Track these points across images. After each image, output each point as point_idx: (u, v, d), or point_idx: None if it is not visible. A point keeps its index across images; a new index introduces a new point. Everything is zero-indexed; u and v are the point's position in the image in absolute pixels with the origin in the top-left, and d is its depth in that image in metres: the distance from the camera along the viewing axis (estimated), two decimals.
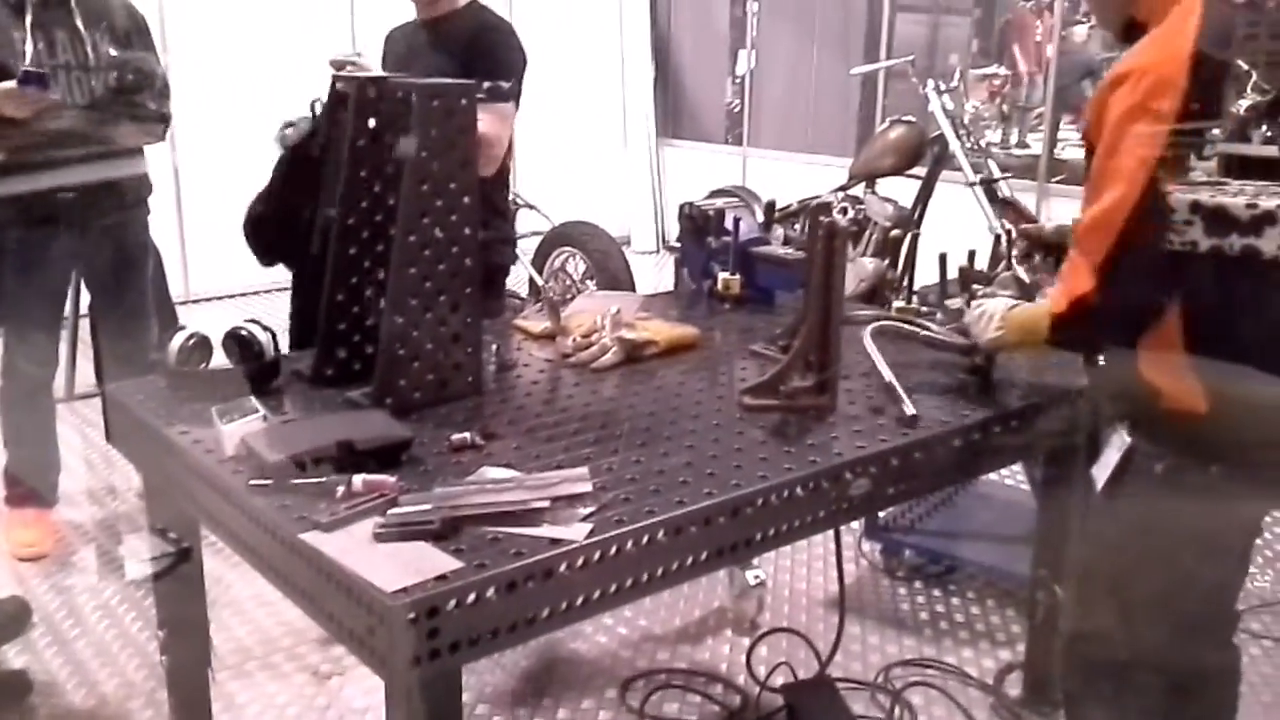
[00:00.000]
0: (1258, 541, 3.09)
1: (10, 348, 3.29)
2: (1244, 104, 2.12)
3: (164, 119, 3.26)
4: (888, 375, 2.02)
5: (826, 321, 1.97)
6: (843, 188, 5.07)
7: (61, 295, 3.40)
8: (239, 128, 5.40)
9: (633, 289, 4.80)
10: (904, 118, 4.90)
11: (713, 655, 2.90)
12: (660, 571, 1.55)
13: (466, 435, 1.78)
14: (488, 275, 2.77)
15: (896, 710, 2.65)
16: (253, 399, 1.84)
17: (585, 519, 1.52)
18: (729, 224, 2.66)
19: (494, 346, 2.19)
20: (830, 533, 3.51)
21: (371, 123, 1.99)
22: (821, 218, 1.98)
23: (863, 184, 5.01)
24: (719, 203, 2.75)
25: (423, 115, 1.84)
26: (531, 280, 5.24)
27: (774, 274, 2.65)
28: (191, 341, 2.06)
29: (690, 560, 1.58)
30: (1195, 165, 1.74)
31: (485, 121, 2.69)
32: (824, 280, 1.97)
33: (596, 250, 5.00)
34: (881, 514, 3.39)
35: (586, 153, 7.58)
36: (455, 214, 1.90)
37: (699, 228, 2.73)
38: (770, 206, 2.89)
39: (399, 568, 1.37)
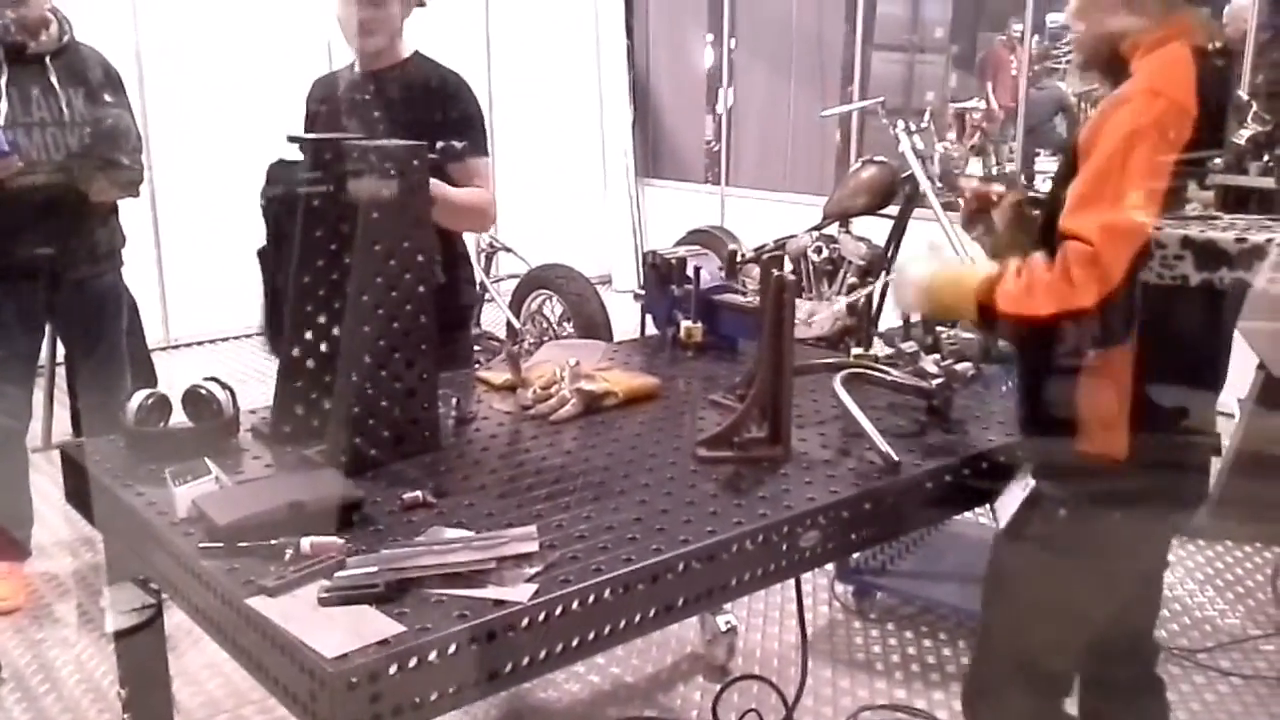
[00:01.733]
0: (1229, 577, 3.12)
1: None
2: (1245, 134, 2.16)
3: (137, 175, 3.28)
4: (864, 422, 2.03)
5: (779, 372, 1.99)
6: (817, 227, 5.11)
7: (35, 348, 3.41)
8: (217, 176, 5.46)
9: (609, 331, 4.83)
10: (875, 158, 4.96)
11: (684, 702, 2.90)
12: (608, 629, 1.56)
13: (418, 494, 1.78)
14: (456, 317, 2.79)
15: None
16: (206, 460, 1.85)
17: (531, 579, 1.52)
18: (691, 272, 2.68)
19: (454, 400, 2.21)
20: (804, 576, 3.54)
21: (328, 185, 2.01)
22: (773, 270, 2.01)
23: (837, 223, 5.06)
24: (681, 251, 2.78)
25: (371, 174, 1.86)
26: (509, 323, 5.27)
27: (736, 321, 2.67)
28: (150, 400, 2.07)
29: (638, 617, 1.59)
30: (1193, 196, 1.78)
31: (480, 182, 2.72)
32: (774, 332, 1.99)
33: (572, 293, 5.03)
34: (853, 557, 3.40)
35: (565, 194, 7.63)
36: (409, 273, 1.92)
37: (663, 276, 2.75)
38: (732, 255, 2.92)
39: (341, 632, 1.38)
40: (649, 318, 2.86)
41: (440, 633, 1.39)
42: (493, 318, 5.51)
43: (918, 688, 2.98)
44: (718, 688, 2.89)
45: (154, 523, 1.73)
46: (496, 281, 5.56)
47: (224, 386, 2.12)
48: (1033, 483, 1.82)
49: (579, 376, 2.28)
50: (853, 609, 3.39)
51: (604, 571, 1.56)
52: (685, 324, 2.67)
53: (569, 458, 2.02)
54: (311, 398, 2.08)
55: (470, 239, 5.49)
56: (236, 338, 6.35)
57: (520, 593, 1.49)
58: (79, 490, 2.01)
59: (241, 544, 1.60)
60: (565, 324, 5.11)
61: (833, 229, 5.05)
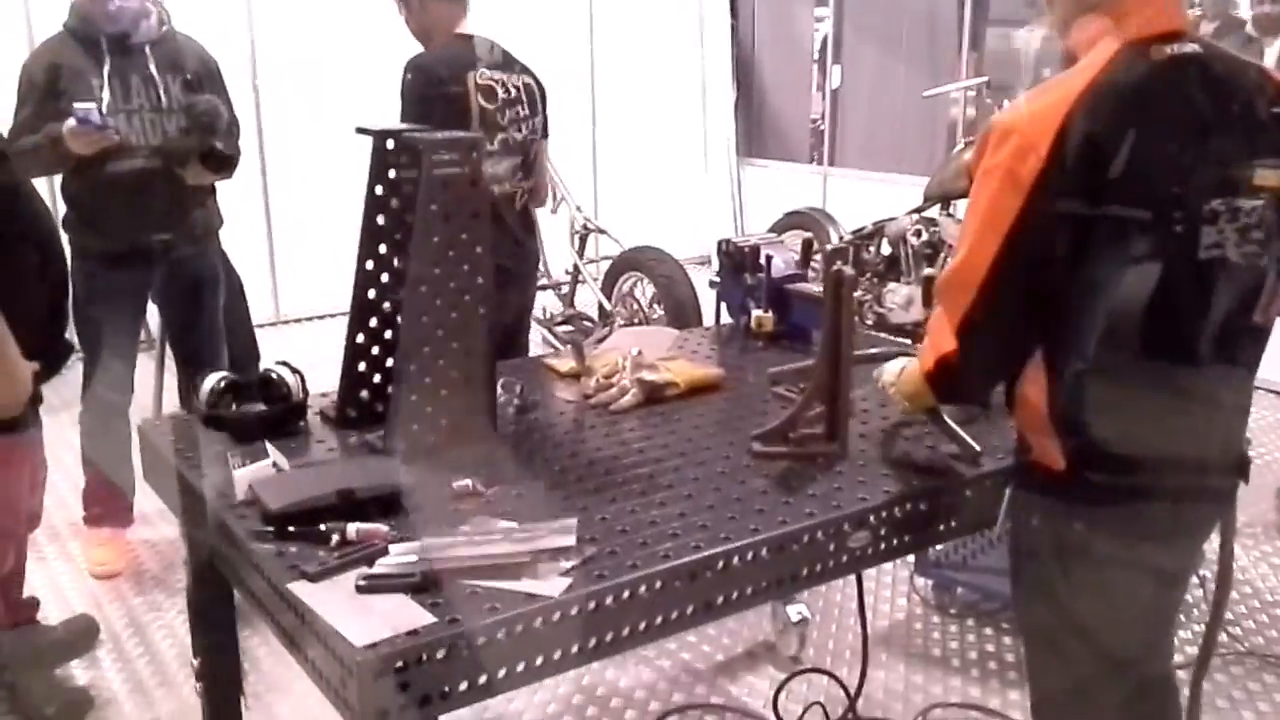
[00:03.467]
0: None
1: (89, 375, 3.45)
2: None
3: (231, 159, 3.38)
4: (942, 414, 2.00)
5: (836, 367, 1.96)
6: (918, 209, 5.00)
7: (136, 325, 3.54)
8: (325, 157, 5.59)
9: (699, 315, 4.81)
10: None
11: (750, 691, 2.89)
12: (642, 626, 1.56)
13: (468, 483, 1.81)
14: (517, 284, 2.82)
15: None
16: (268, 444, 1.90)
17: (565, 573, 1.53)
18: (763, 261, 2.65)
19: (517, 387, 2.23)
20: (885, 566, 3.49)
21: (392, 173, 2.04)
22: (834, 262, 1.97)
23: (938, 206, 4.94)
24: (754, 239, 2.74)
25: (431, 166, 1.88)
26: (600, 305, 5.29)
27: (808, 312, 2.62)
28: (222, 383, 2.14)
29: (675, 614, 1.58)
30: None
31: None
32: (833, 325, 1.95)
33: (663, 276, 5.02)
34: (932, 551, 3.34)
35: (664, 175, 7.61)
36: (467, 263, 1.94)
37: (736, 263, 2.73)
38: (807, 245, 2.87)
39: (373, 621, 1.41)
40: (723, 306, 2.84)
41: (471, 625, 1.41)
42: (585, 300, 5.54)
43: (994, 686, 2.91)
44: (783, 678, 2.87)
45: (214, 504, 1.79)
46: (589, 263, 5.58)
47: (294, 371, 2.18)
48: (1008, 491, 1.77)
49: (640, 366, 2.28)
50: (932, 604, 3.32)
51: (639, 568, 1.56)
52: (756, 313, 2.64)
53: (623, 449, 2.02)
54: (374, 383, 2.12)
55: (564, 220, 5.55)
56: (345, 314, 6.51)
57: (553, 587, 1.49)
58: (154, 467, 2.09)
59: (291, 529, 1.64)
60: (656, 306, 5.11)
61: (934, 212, 4.94)
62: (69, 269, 2.58)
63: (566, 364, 2.42)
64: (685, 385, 2.28)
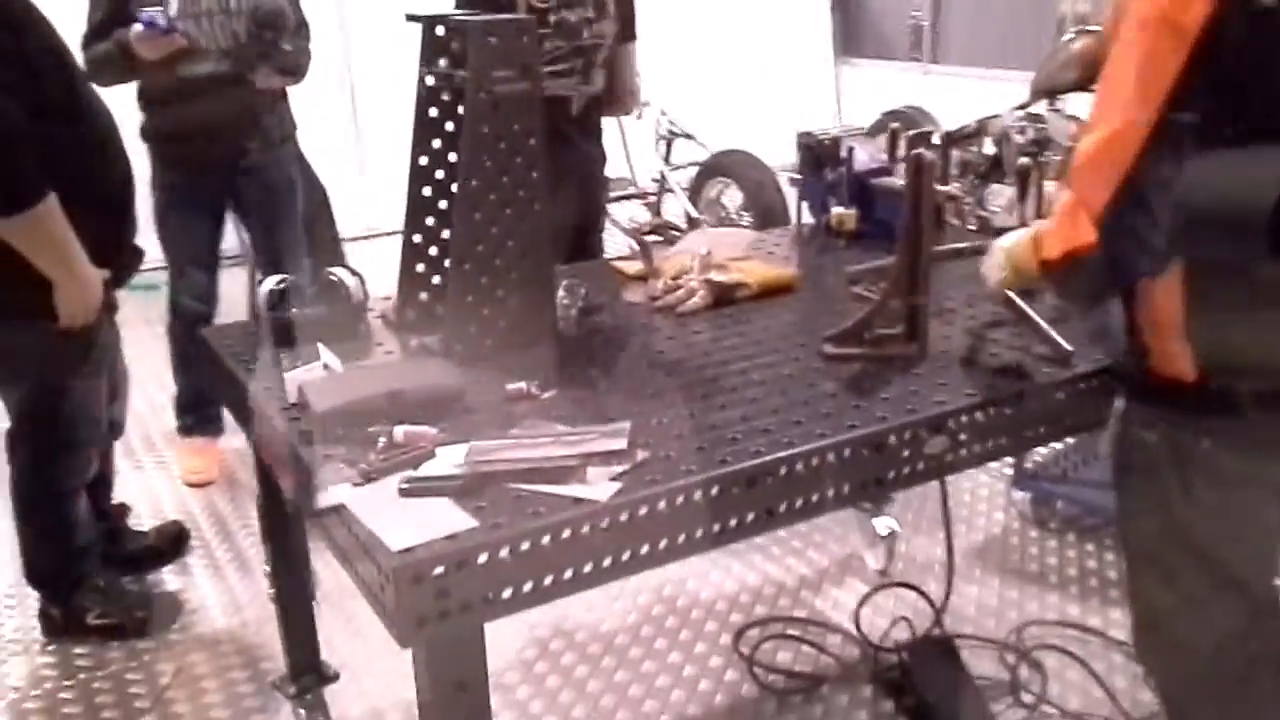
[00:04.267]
0: None
1: (173, 285, 3.47)
2: None
3: (299, 61, 3.32)
4: (1026, 310, 1.86)
5: (914, 261, 1.82)
6: (1023, 105, 4.72)
7: (216, 233, 3.53)
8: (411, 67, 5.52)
9: (788, 221, 4.64)
10: (1089, 27, 4.50)
11: (836, 606, 2.80)
12: (700, 533, 1.47)
13: (523, 385, 1.73)
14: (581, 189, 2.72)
15: (1024, 672, 2.49)
16: (320, 346, 1.85)
17: (616, 478, 1.45)
18: (845, 153, 2.49)
19: (581, 290, 2.14)
20: (980, 479, 3.35)
21: (442, 62, 1.94)
22: (917, 148, 1.82)
23: (1045, 101, 4.66)
24: (835, 131, 2.58)
25: (479, 53, 1.77)
26: (687, 213, 5.15)
27: (893, 207, 2.46)
28: (282, 285, 2.09)
29: (734, 522, 1.49)
30: None
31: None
32: (913, 216, 1.81)
33: (751, 181, 4.86)
34: (1031, 462, 3.19)
35: (756, 75, 7.34)
36: (520, 156, 1.84)
37: (816, 158, 2.58)
38: (893, 134, 2.69)
39: (413, 525, 1.35)
40: (804, 205, 2.70)
41: (513, 529, 1.34)
42: (673, 208, 5.40)
43: (1093, 604, 2.77)
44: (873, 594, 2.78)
45: (265, 407, 1.74)
46: (675, 169, 5.43)
47: (354, 273, 2.12)
48: (1121, 406, 1.60)
49: (709, 266, 2.16)
50: (1030, 518, 3.18)
51: (695, 473, 1.47)
52: (837, 210, 2.50)
53: (687, 352, 1.92)
54: (433, 285, 2.05)
55: (650, 124, 5.39)
56: None
57: (601, 491, 1.41)
58: (216, 374, 2.07)
59: (339, 430, 1.59)
60: (744, 213, 4.95)
61: (1040, 107, 4.66)
62: (132, 175, 2.55)
63: (635, 266, 2.32)
64: (757, 286, 2.16)
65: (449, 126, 1.97)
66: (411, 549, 1.30)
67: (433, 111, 1.96)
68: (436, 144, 1.98)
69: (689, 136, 5.34)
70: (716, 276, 2.14)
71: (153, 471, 3.67)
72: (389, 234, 6.52)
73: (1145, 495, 1.64)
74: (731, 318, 2.07)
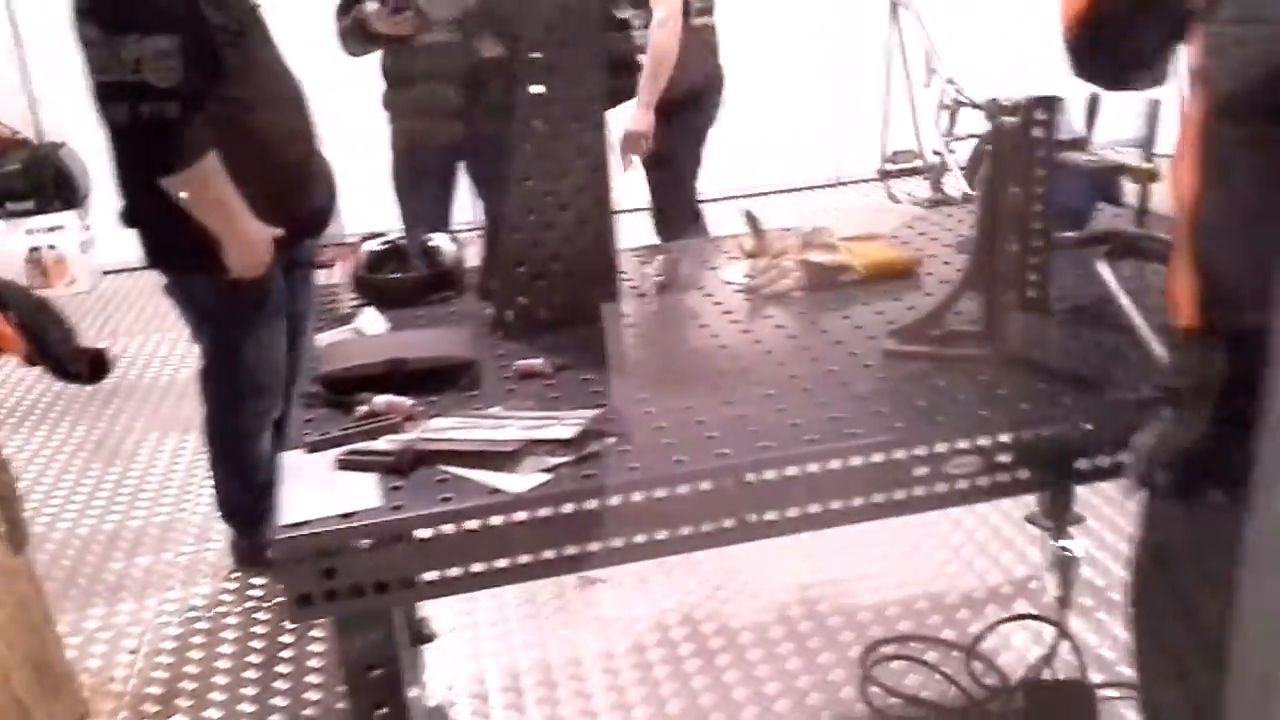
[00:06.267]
0: None
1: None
2: None
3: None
4: (1131, 311, 1.56)
5: (991, 246, 1.55)
6: None
7: (447, 192, 3.66)
8: None
9: None
10: None
11: (994, 630, 2.48)
12: (638, 539, 1.33)
13: (537, 361, 1.65)
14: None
15: None
16: (368, 310, 1.85)
17: (551, 469, 1.33)
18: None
19: (655, 261, 2.02)
20: None
21: None
22: (998, 115, 1.54)
23: None
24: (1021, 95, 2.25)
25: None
26: (964, 193, 4.76)
27: (1079, 188, 2.12)
28: (384, 248, 2.12)
29: (686, 531, 1.34)
30: None
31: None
32: (991, 194, 1.54)
33: None
34: None
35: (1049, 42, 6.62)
36: (577, 121, 1.74)
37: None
38: (1093, 100, 2.30)
39: (320, 500, 1.31)
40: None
41: (411, 514, 1.27)
42: (956, 182, 5.02)
43: None
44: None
45: (304, 366, 1.77)
46: (955, 140, 5.02)
47: (454, 239, 2.11)
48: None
49: (812, 245, 1.96)
50: None
51: (638, 471, 1.32)
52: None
53: (741, 339, 1.74)
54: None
55: (935, 94, 5.03)
56: None
57: (519, 482, 1.31)
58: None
59: (334, 395, 1.58)
60: None
61: None
62: (314, 137, 2.67)
63: (751, 242, 2.14)
64: (864, 269, 1.93)
65: None
66: (301, 523, 1.26)
67: None
68: None
69: (976, 106, 4.92)
70: (815, 257, 1.93)
71: None
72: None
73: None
74: (819, 303, 1.86)
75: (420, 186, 3.56)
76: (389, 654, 1.35)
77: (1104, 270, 1.62)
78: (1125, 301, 1.56)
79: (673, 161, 3.88)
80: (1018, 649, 2.38)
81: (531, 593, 2.65)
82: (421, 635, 2.40)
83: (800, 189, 6.05)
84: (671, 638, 2.52)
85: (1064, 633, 2.18)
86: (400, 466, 1.37)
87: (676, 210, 3.96)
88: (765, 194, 5.74)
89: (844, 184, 6.09)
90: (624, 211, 4.13)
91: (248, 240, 2.50)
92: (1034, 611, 2.48)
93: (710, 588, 2.68)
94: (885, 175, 5.66)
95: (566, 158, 1.74)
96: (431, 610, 2.47)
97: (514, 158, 1.78)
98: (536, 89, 1.73)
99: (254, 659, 2.56)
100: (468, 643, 2.53)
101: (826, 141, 6.00)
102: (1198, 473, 1.10)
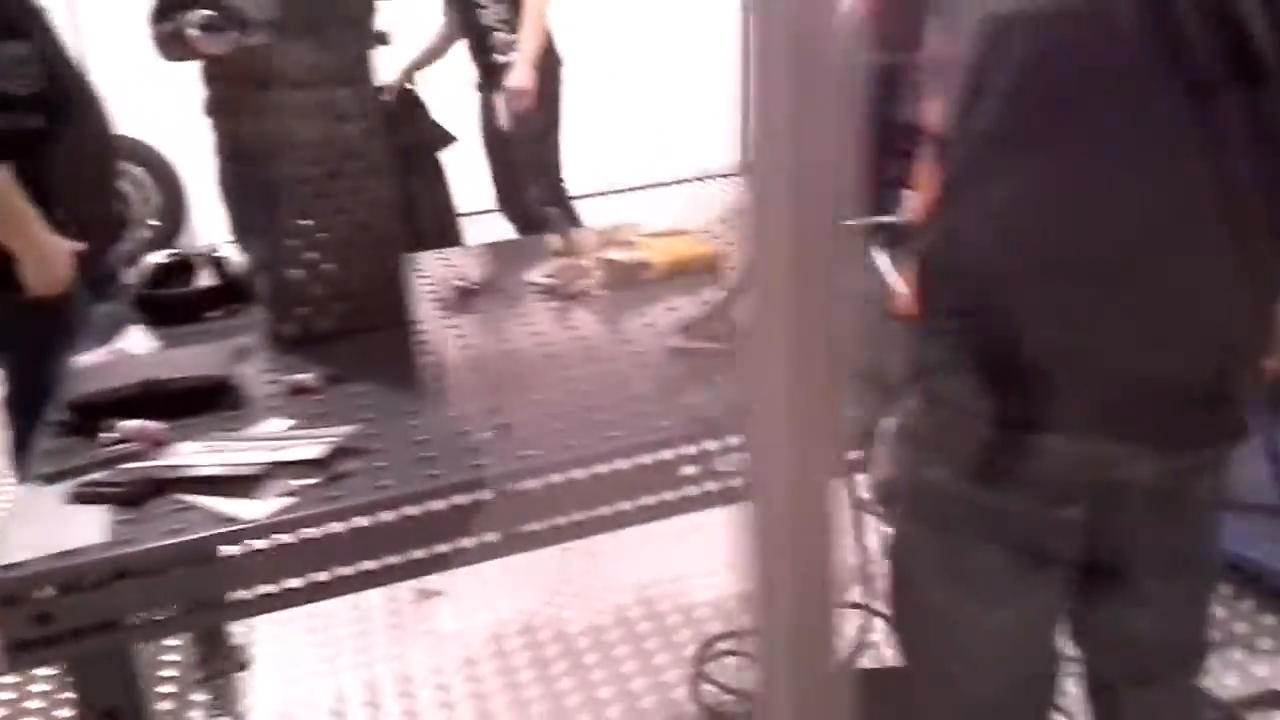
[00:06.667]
0: None
1: None
2: None
3: None
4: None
5: None
6: None
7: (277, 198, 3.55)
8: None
9: None
10: None
11: None
12: (393, 561, 1.27)
13: (308, 377, 1.57)
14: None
15: None
16: (137, 328, 1.76)
17: (295, 493, 1.26)
18: None
19: (458, 266, 1.95)
20: None
21: None
22: None
23: None
24: None
25: None
26: None
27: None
28: (170, 260, 2.02)
29: (440, 551, 1.28)
30: None
31: None
32: None
33: None
34: None
35: None
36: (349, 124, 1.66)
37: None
38: None
39: (42, 537, 1.22)
40: None
41: (139, 547, 1.19)
42: None
43: None
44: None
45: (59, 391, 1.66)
46: None
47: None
48: None
49: (611, 244, 1.91)
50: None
51: (388, 490, 1.26)
52: None
53: (531, 341, 1.69)
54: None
55: None
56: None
57: (255, 509, 1.23)
58: None
59: (82, 421, 1.49)
60: None
61: None
62: (111, 149, 2.54)
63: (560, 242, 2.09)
64: (664, 266, 1.89)
65: None
66: (14, 565, 1.17)
67: None
68: None
69: None
70: (614, 255, 1.89)
71: None
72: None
73: None
74: (620, 302, 1.82)
75: (247, 193, 3.43)
76: (131, 697, 1.27)
77: (880, 259, 1.60)
78: (902, 291, 1.54)
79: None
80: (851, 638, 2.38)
81: (364, 610, 2.56)
82: (233, 662, 2.30)
83: (666, 184, 6.00)
84: (506, 648, 2.46)
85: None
86: (133, 498, 1.28)
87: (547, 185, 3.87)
88: (634, 190, 5.69)
89: (711, 178, 6.05)
90: (469, 214, 4.10)
91: (45, 255, 2.36)
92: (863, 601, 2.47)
93: (551, 593, 2.62)
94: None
95: (335, 160, 1.67)
96: (252, 633, 2.37)
97: (283, 159, 1.70)
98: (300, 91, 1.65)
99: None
100: (289, 665, 2.42)
101: (697, 134, 5.95)
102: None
